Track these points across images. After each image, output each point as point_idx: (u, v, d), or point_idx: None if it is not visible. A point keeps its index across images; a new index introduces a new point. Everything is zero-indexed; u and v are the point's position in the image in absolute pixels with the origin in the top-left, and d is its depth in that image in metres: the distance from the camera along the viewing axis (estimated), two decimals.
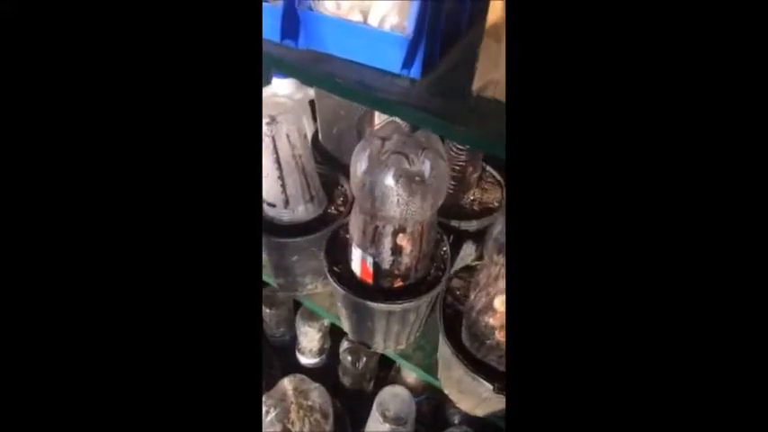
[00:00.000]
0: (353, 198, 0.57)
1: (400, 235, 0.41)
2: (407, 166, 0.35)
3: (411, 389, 0.71)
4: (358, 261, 0.45)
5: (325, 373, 0.82)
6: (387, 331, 0.50)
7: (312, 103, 0.67)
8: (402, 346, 0.56)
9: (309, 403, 0.60)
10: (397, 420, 0.61)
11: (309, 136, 0.59)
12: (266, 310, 0.82)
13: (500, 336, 0.37)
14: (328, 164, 0.61)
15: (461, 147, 0.52)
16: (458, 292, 0.47)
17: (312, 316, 0.78)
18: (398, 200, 0.36)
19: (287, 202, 0.51)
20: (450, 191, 0.54)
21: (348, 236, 0.52)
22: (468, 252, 0.58)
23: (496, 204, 0.57)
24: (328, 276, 0.47)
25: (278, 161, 0.47)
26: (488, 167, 0.60)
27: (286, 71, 0.41)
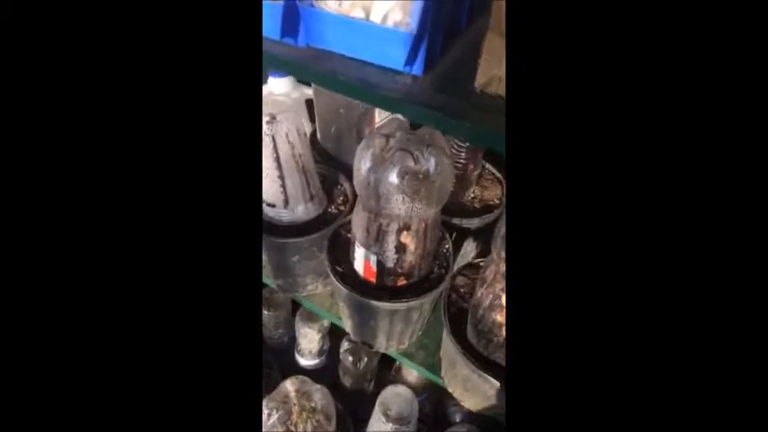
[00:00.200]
0: (354, 197, 0.57)
1: (404, 233, 0.41)
2: (412, 164, 0.35)
3: (411, 388, 0.71)
4: (361, 260, 0.45)
5: (325, 375, 0.82)
6: (390, 330, 0.50)
7: (309, 102, 0.66)
8: (404, 346, 0.56)
9: (312, 405, 0.59)
10: (400, 420, 0.61)
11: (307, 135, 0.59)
12: (264, 312, 0.81)
13: None
14: (327, 163, 0.60)
15: (462, 144, 0.52)
16: (462, 290, 0.46)
17: (312, 317, 0.78)
18: (403, 197, 0.36)
19: (287, 202, 0.51)
20: (451, 188, 0.54)
21: (350, 235, 0.51)
22: (468, 250, 0.58)
23: (497, 201, 0.57)
24: (331, 276, 0.46)
25: (278, 160, 0.47)
26: (488, 165, 0.60)
27: (286, 69, 0.41)
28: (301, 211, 0.52)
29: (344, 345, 0.76)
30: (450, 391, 0.53)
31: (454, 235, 0.52)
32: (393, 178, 0.35)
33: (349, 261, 0.48)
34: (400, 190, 0.36)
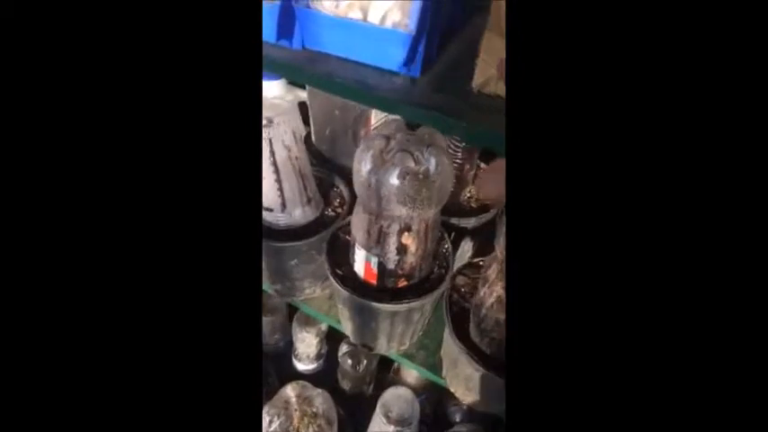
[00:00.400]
0: (351, 199, 0.56)
1: (405, 234, 0.41)
2: (413, 164, 0.35)
3: (410, 389, 0.71)
4: (362, 262, 0.44)
5: (323, 379, 0.81)
6: (391, 332, 0.50)
7: (302, 105, 0.66)
8: (405, 347, 0.56)
9: (314, 410, 0.58)
10: (402, 422, 0.61)
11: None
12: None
13: None
14: (322, 165, 0.60)
15: (458, 144, 0.52)
16: (462, 290, 0.47)
17: (309, 321, 0.77)
18: (405, 198, 0.36)
19: (284, 206, 0.50)
20: (452, 188, 0.54)
21: (349, 237, 0.51)
22: (465, 249, 0.58)
23: (494, 202, 0.58)
24: (331, 279, 0.46)
25: (275, 164, 0.46)
26: (483, 165, 0.61)
27: (282, 72, 0.40)
28: (299, 214, 0.52)
29: (343, 348, 0.75)
30: (452, 390, 0.53)
31: (453, 235, 0.52)
32: (394, 179, 0.35)
33: (349, 263, 0.48)
34: (402, 191, 0.36)
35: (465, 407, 0.75)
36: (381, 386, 0.82)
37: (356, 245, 0.44)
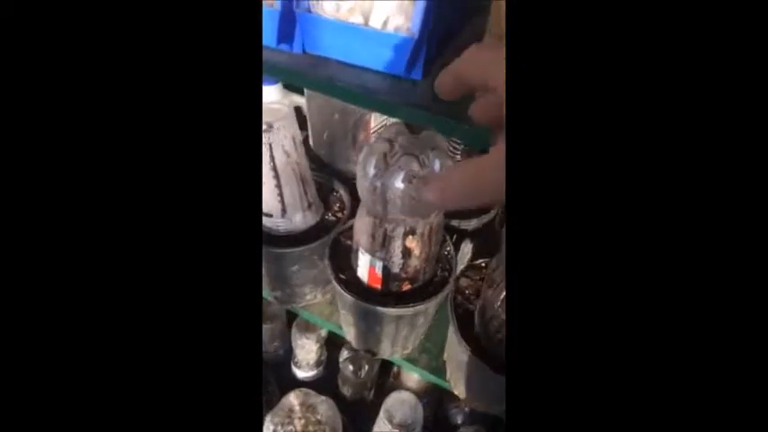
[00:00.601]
0: (351, 203, 0.56)
1: (410, 237, 0.40)
2: (418, 167, 0.35)
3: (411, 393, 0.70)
4: (365, 266, 0.44)
5: (324, 386, 0.80)
6: (395, 336, 0.49)
7: (297, 109, 0.65)
8: (408, 351, 0.56)
9: (318, 417, 0.57)
10: (406, 426, 0.61)
11: None
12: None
13: None
14: (320, 170, 0.60)
15: (457, 146, 0.53)
16: (466, 292, 0.47)
17: (309, 327, 0.76)
18: (410, 201, 0.36)
19: (284, 212, 0.50)
20: None
21: (350, 242, 0.51)
22: (465, 251, 0.59)
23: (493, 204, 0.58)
24: (335, 284, 0.46)
25: (275, 169, 0.46)
26: None
27: (283, 76, 0.40)
28: (299, 219, 0.51)
29: (344, 354, 0.75)
30: (456, 393, 0.53)
31: (455, 237, 0.52)
32: (399, 183, 0.35)
33: (351, 268, 0.47)
34: (407, 194, 0.36)
35: (466, 409, 0.75)
36: (382, 391, 0.81)
37: (360, 249, 0.43)
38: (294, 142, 0.46)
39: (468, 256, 0.58)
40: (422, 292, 0.45)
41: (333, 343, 0.84)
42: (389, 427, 0.60)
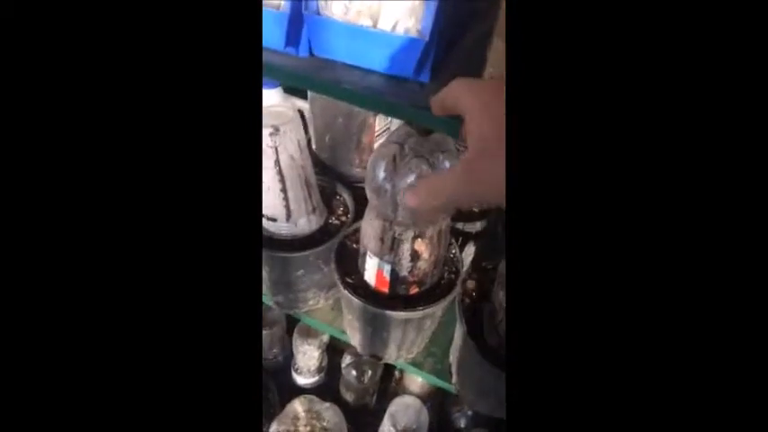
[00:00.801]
0: (355, 207, 0.56)
1: (419, 240, 0.40)
2: (429, 170, 0.35)
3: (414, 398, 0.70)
4: (373, 270, 0.44)
5: (325, 392, 0.79)
6: (402, 340, 0.49)
7: (299, 113, 0.65)
8: (413, 355, 0.55)
9: (324, 424, 0.56)
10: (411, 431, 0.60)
11: None
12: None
13: None
14: (323, 174, 0.59)
15: (466, 147, 0.53)
16: (474, 294, 0.47)
17: (311, 333, 0.75)
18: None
19: (289, 216, 0.49)
20: None
21: (356, 246, 0.50)
22: (468, 253, 0.59)
23: (495, 205, 0.58)
24: (342, 288, 0.45)
25: (280, 173, 0.45)
26: None
27: (290, 79, 0.40)
28: (303, 223, 0.51)
29: (346, 359, 0.74)
30: (461, 396, 0.52)
31: (460, 239, 0.52)
32: (410, 185, 0.35)
33: (358, 272, 0.47)
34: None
35: (469, 412, 0.75)
36: (384, 397, 0.81)
37: (367, 253, 0.43)
38: (300, 146, 0.46)
39: (471, 257, 0.58)
40: (429, 295, 0.45)
41: (333, 349, 0.83)
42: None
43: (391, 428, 0.60)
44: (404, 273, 0.42)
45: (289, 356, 0.83)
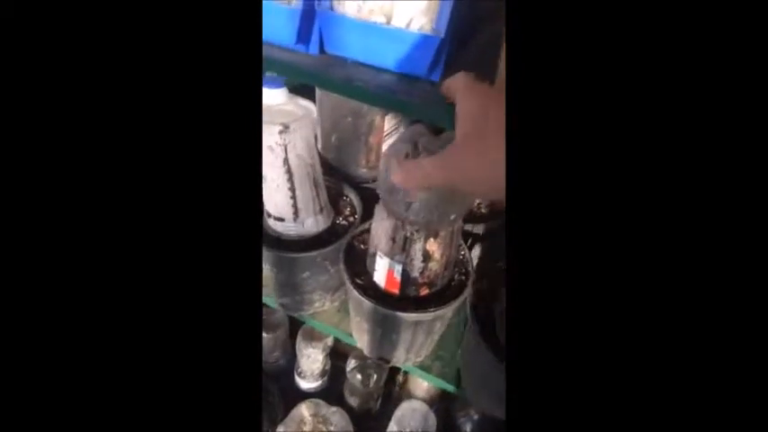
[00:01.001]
0: (362, 208, 0.55)
1: (431, 240, 0.40)
2: None
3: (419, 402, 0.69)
4: (383, 271, 0.43)
5: (329, 396, 0.78)
6: (411, 343, 0.48)
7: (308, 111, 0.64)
8: (421, 358, 0.55)
9: (331, 428, 0.55)
10: None
11: None
12: (262, 335, 0.76)
13: None
14: (329, 174, 0.59)
15: None
16: (485, 296, 0.46)
17: (315, 336, 0.74)
18: (437, 203, 0.35)
19: (296, 216, 0.48)
20: None
21: (364, 246, 0.49)
22: (474, 255, 0.58)
23: (503, 207, 0.58)
24: (352, 289, 0.44)
25: (289, 171, 0.45)
26: None
27: (300, 77, 0.39)
28: (311, 224, 0.50)
29: (351, 363, 0.73)
30: (470, 400, 0.52)
31: (470, 240, 0.52)
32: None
33: (366, 273, 0.46)
34: (432, 195, 0.35)
35: (475, 417, 0.74)
36: (388, 401, 0.80)
37: (378, 253, 0.42)
38: (308, 144, 0.45)
39: (478, 259, 0.57)
40: (440, 296, 0.45)
41: (336, 352, 0.82)
42: None
43: None
44: (415, 273, 0.42)
45: (290, 360, 0.82)
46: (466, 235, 0.54)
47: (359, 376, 0.71)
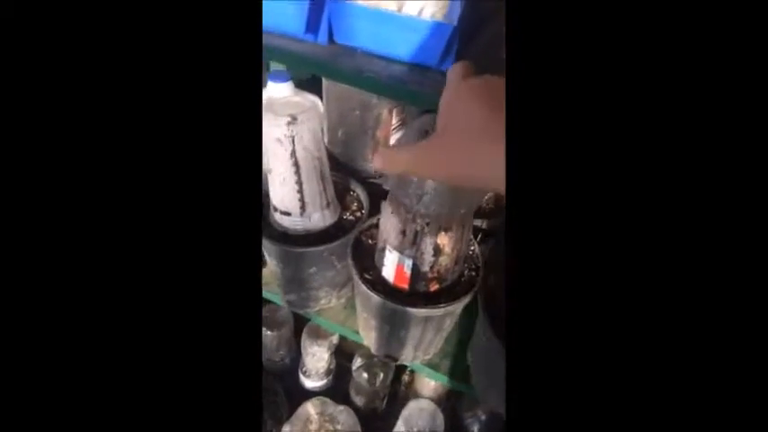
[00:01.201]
0: (370, 203, 0.54)
1: (442, 234, 0.39)
2: None
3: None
4: (392, 266, 0.42)
5: (334, 395, 0.77)
6: (420, 340, 0.47)
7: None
8: (429, 356, 0.54)
9: (338, 427, 0.54)
10: None
11: None
12: (266, 332, 0.76)
13: None
14: (336, 169, 0.58)
15: None
16: (495, 291, 0.45)
17: (320, 334, 0.73)
18: (448, 195, 0.35)
19: (303, 210, 0.48)
20: None
21: (372, 241, 0.49)
22: (481, 250, 0.57)
23: None
24: (360, 284, 0.43)
25: (296, 164, 0.44)
26: None
27: (309, 67, 0.39)
28: (317, 218, 0.49)
29: (357, 361, 0.72)
30: (481, 398, 0.51)
31: (479, 236, 0.51)
32: None
33: (375, 268, 0.46)
34: (445, 187, 0.34)
35: (483, 417, 0.73)
36: (394, 401, 0.79)
37: (387, 247, 0.42)
38: (315, 137, 0.44)
39: (486, 254, 0.56)
40: (450, 292, 0.44)
41: (341, 351, 0.81)
42: None
43: None
44: (425, 268, 0.41)
45: (295, 359, 0.81)
46: (475, 230, 0.53)
47: (365, 375, 0.70)
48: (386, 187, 0.41)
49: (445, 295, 0.43)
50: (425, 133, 0.35)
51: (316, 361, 0.75)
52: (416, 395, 0.75)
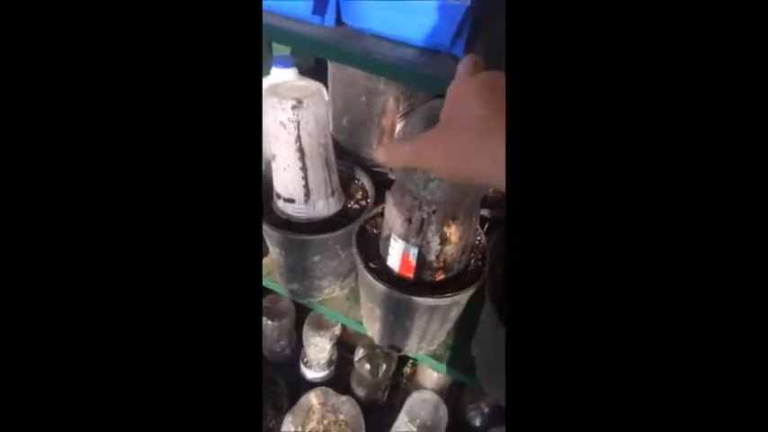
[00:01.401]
0: (375, 192, 0.54)
1: (448, 222, 0.38)
2: None
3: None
4: (398, 254, 0.41)
5: (336, 386, 0.77)
6: (425, 330, 0.47)
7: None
8: (433, 347, 0.53)
9: (342, 417, 0.54)
10: (429, 428, 0.58)
11: None
12: (267, 323, 0.75)
13: None
14: (340, 157, 0.57)
15: None
16: (500, 281, 0.44)
17: (322, 324, 0.73)
18: (449, 179, 0.34)
19: (307, 197, 0.47)
20: None
21: (377, 230, 0.48)
22: (488, 239, 0.56)
23: None
24: (365, 273, 0.43)
25: (301, 149, 0.43)
26: None
27: (316, 50, 0.38)
28: (322, 206, 0.49)
29: (359, 352, 0.71)
30: (486, 390, 0.50)
31: (486, 226, 0.50)
32: None
33: (379, 257, 0.45)
34: None
35: (486, 410, 0.73)
36: (395, 392, 0.78)
37: (392, 236, 0.41)
38: (319, 123, 0.43)
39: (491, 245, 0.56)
40: (456, 281, 0.43)
41: (343, 342, 0.81)
42: (412, 427, 0.57)
43: (409, 424, 0.58)
44: (431, 257, 0.40)
45: (296, 350, 0.81)
46: (482, 220, 0.52)
47: (367, 366, 0.70)
48: (391, 176, 0.40)
49: (451, 285, 0.42)
50: (434, 118, 0.34)
51: (317, 351, 0.74)
52: (419, 387, 0.74)
